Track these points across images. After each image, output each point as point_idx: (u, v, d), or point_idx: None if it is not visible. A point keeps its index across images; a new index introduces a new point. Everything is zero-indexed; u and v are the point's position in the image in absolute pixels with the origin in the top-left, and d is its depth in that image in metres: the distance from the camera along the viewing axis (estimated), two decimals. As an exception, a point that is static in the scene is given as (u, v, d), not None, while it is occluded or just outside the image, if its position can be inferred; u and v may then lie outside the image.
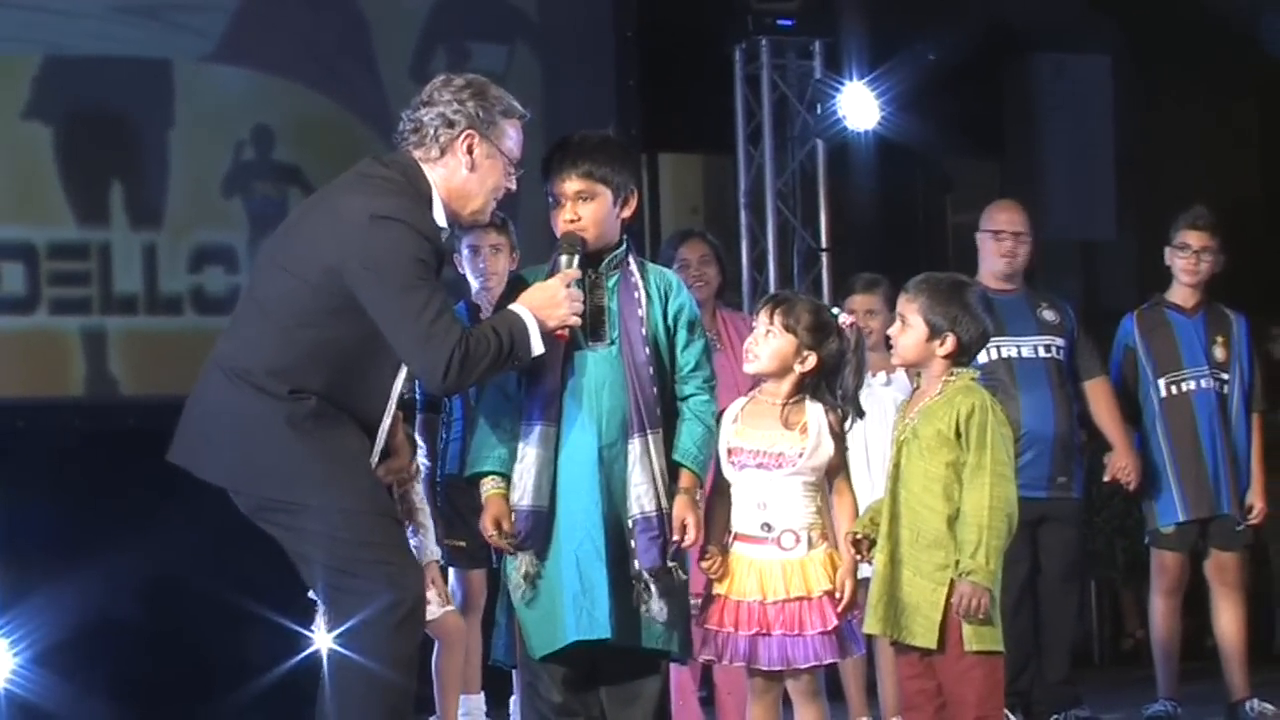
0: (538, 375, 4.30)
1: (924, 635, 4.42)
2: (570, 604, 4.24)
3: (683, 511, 4.30)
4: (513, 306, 4.19)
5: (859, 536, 4.48)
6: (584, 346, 4.31)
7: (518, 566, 4.31)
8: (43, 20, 7.48)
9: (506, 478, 4.32)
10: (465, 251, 5.73)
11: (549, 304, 4.17)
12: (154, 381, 7.48)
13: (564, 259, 4.27)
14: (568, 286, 4.21)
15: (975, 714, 4.43)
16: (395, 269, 4.02)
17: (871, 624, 4.49)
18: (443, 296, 4.08)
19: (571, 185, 4.33)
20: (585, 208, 4.34)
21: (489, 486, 4.34)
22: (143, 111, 7.66)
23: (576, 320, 4.22)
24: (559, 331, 4.21)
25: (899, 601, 4.44)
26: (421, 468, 5.47)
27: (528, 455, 4.28)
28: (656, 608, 4.25)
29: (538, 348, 4.15)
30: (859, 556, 4.48)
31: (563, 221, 4.34)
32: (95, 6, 7.56)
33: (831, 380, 4.51)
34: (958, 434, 4.43)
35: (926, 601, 4.41)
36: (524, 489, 4.28)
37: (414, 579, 4.13)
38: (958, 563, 4.38)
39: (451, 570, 5.77)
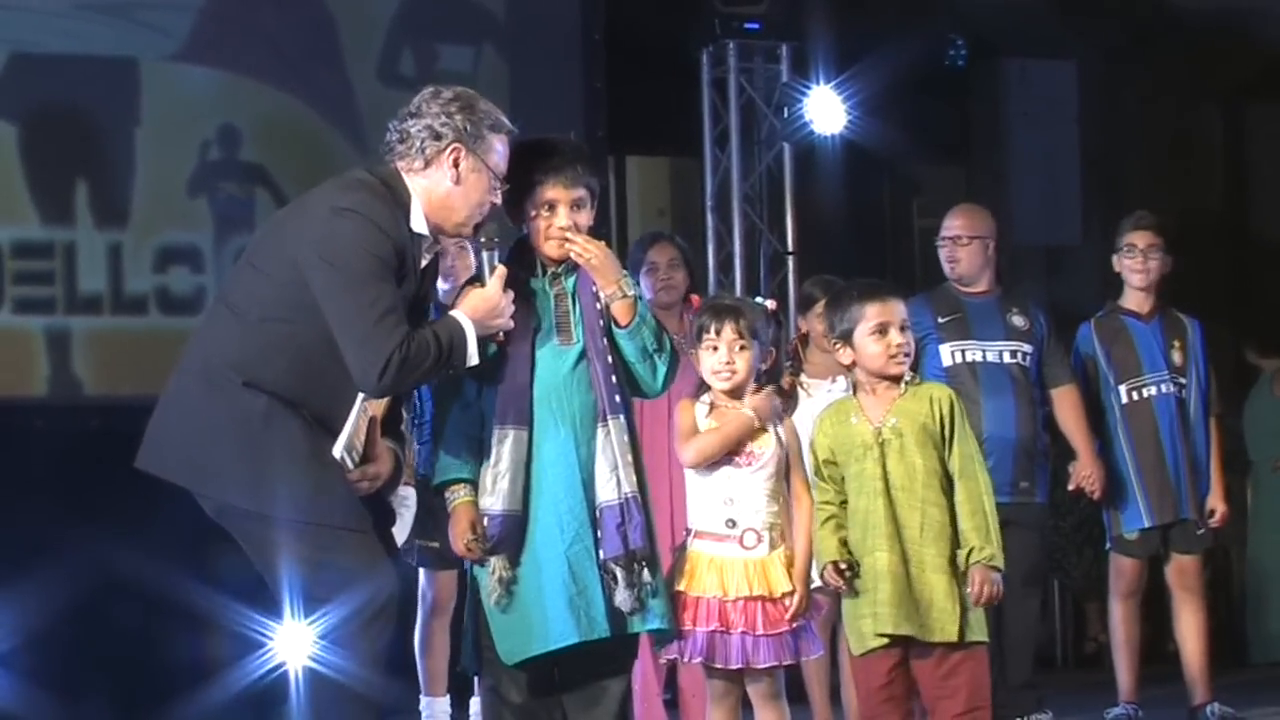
0: (505, 379, 4.29)
1: (944, 629, 4.44)
2: (568, 607, 4.22)
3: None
4: (454, 314, 4.16)
5: (844, 566, 4.48)
6: (554, 346, 4.31)
7: (491, 572, 4.28)
8: (8, 18, 7.45)
9: (473, 484, 4.31)
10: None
11: (491, 313, 4.17)
12: (118, 382, 7.45)
13: (487, 257, 4.22)
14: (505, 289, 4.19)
15: (969, 705, 4.46)
16: (348, 260, 4.01)
17: (897, 623, 4.44)
18: (393, 296, 4.04)
19: (572, 193, 4.32)
20: (580, 215, 4.34)
21: (459, 494, 4.31)
22: (108, 110, 7.64)
23: (511, 324, 4.21)
24: (498, 337, 4.21)
25: (918, 600, 4.45)
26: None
27: (501, 460, 4.26)
28: (621, 598, 4.24)
29: (473, 358, 4.13)
30: (843, 586, 4.48)
31: (557, 229, 4.31)
32: (61, 4, 7.53)
33: (774, 370, 4.61)
34: (942, 427, 4.46)
35: (944, 594, 4.43)
36: (498, 493, 4.25)
37: (381, 579, 4.07)
38: (970, 552, 4.40)
39: (421, 571, 5.76)
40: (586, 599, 4.22)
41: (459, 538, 4.29)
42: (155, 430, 4.17)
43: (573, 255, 4.31)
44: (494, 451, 4.27)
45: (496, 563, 4.26)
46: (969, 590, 4.42)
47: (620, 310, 4.33)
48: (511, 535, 4.26)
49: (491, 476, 4.27)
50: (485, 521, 4.26)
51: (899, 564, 4.46)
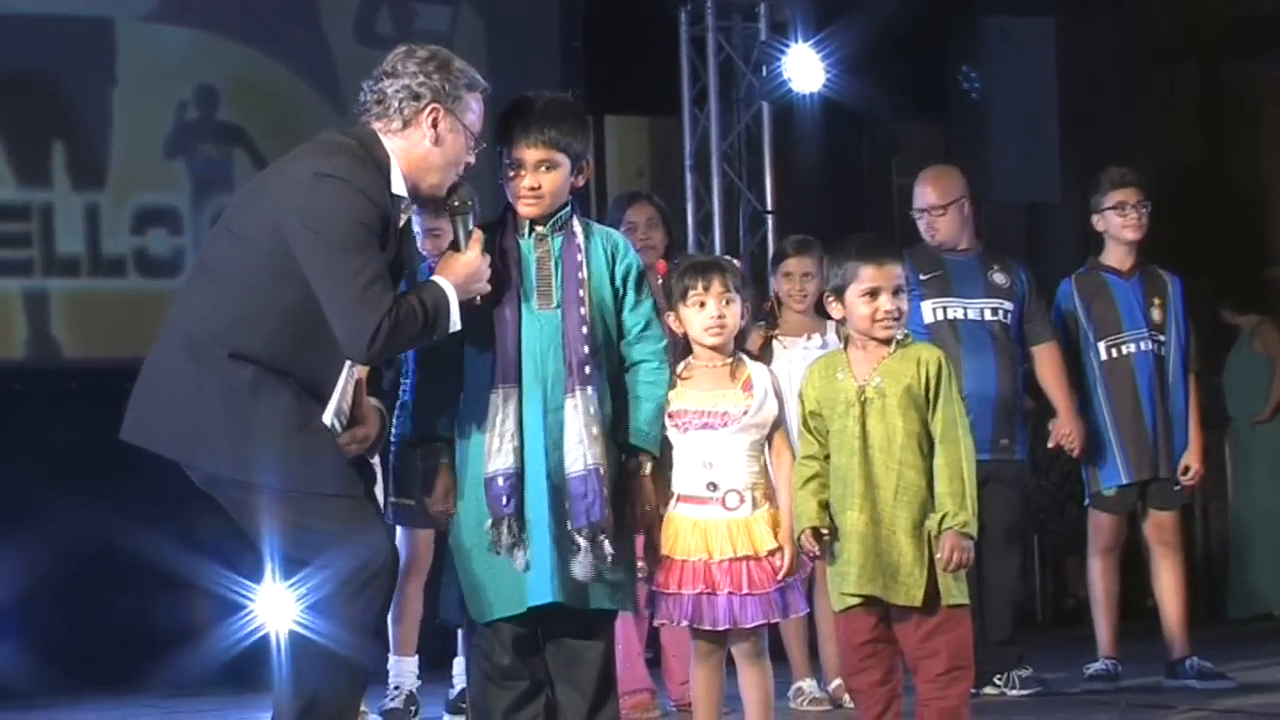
0: (496, 341, 4.26)
1: (910, 593, 4.42)
2: (515, 572, 4.23)
3: (639, 495, 4.34)
4: (436, 279, 4.15)
5: (823, 531, 4.48)
6: (532, 308, 4.29)
7: (505, 534, 4.23)
8: (-19, -21, 7.42)
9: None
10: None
11: (471, 277, 4.17)
12: (96, 344, 7.45)
13: (462, 221, 4.21)
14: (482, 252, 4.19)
15: (950, 665, 4.45)
16: (334, 228, 3.98)
17: (861, 584, 4.43)
18: (379, 263, 4.02)
19: (535, 153, 4.28)
20: (546, 177, 4.29)
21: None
22: (84, 71, 7.61)
23: (489, 287, 4.21)
24: (475, 300, 4.20)
25: (885, 562, 4.44)
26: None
27: (507, 420, 4.23)
28: (579, 568, 4.22)
29: (456, 324, 4.12)
30: (817, 552, 4.48)
31: (523, 189, 4.29)
32: (35, -35, 7.51)
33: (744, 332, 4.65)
34: (926, 389, 4.46)
35: (912, 558, 4.43)
36: (505, 453, 4.23)
37: (376, 544, 4.05)
38: (944, 517, 4.40)
39: (399, 529, 5.76)
40: (540, 562, 4.21)
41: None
42: (141, 402, 4.14)
43: None
44: (499, 412, 4.23)
45: (512, 522, 4.22)
46: (939, 555, 4.41)
47: None
48: (518, 494, 4.24)
49: (498, 437, 4.23)
50: (499, 482, 4.23)
51: (869, 525, 4.44)
